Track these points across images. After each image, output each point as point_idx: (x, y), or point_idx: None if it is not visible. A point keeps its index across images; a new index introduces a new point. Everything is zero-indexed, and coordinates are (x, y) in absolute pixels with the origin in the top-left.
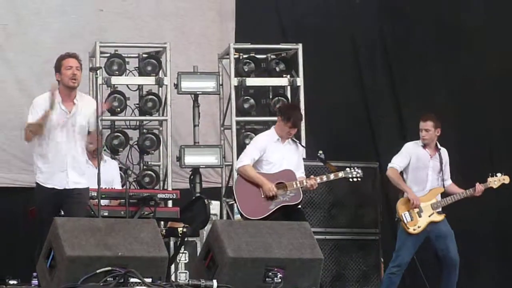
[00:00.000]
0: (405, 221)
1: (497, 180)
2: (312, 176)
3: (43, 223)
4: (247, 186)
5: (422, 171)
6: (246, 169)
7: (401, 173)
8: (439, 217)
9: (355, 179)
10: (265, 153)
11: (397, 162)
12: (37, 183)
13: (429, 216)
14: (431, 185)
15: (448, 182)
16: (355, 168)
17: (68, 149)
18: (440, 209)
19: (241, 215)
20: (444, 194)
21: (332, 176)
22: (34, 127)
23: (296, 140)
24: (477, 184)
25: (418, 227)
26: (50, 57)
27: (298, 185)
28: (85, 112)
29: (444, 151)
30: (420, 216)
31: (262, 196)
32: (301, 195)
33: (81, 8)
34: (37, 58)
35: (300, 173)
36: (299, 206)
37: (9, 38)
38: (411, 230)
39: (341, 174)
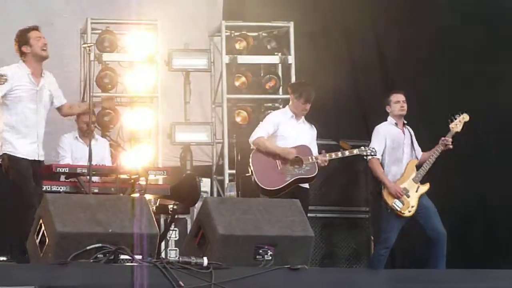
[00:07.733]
0: (398, 209)
1: (458, 123)
2: (323, 152)
3: (25, 191)
4: (263, 159)
5: (398, 150)
6: (261, 140)
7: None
8: (425, 187)
9: (369, 157)
10: (279, 128)
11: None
12: (7, 154)
13: (416, 192)
14: (406, 161)
15: (420, 153)
16: (370, 147)
17: (37, 122)
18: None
19: (258, 186)
20: (419, 163)
21: (346, 153)
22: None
23: (311, 122)
24: (441, 138)
25: (412, 206)
26: None
27: (314, 159)
28: (49, 87)
29: (408, 126)
30: (408, 197)
31: (279, 168)
32: (316, 169)
33: None
34: None
35: (314, 153)
36: (307, 186)
37: None
38: (406, 213)
39: (356, 151)
